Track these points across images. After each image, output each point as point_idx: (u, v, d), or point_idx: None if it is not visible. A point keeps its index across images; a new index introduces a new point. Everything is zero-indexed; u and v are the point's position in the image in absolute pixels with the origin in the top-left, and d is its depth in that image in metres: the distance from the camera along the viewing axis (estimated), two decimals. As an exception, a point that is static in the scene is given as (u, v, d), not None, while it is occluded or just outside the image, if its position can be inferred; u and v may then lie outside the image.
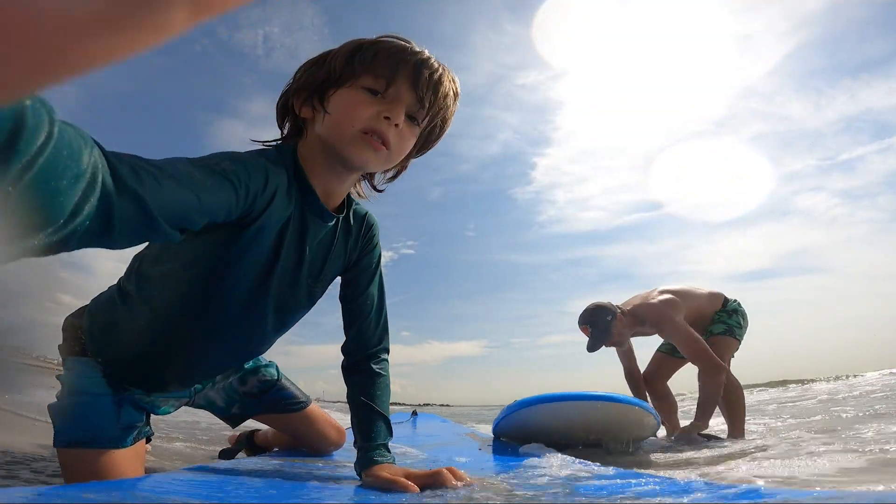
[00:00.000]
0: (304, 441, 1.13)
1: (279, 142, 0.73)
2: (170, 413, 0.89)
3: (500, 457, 1.19)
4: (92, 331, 0.77)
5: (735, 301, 2.13)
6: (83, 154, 0.31)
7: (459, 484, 0.65)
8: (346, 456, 1.10)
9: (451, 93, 0.71)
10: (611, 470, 0.82)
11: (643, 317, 2.07)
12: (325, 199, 0.72)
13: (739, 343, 2.07)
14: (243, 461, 0.85)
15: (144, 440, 0.80)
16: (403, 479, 0.65)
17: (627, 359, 2.25)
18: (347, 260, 0.83)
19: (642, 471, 0.86)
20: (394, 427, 0.83)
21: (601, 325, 2.04)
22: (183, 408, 0.93)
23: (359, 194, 0.82)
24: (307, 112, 0.69)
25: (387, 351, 0.88)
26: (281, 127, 0.74)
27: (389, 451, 0.78)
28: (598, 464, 0.88)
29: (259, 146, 0.71)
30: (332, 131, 0.66)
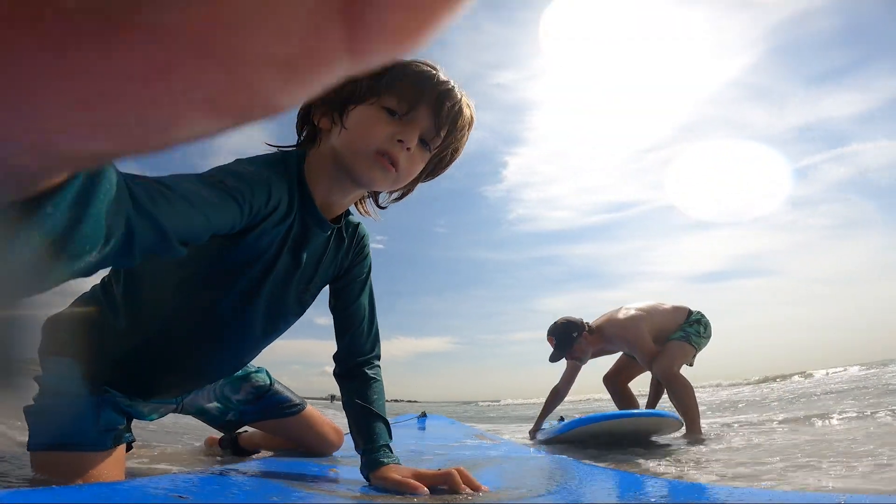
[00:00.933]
0: (304, 444, 1.13)
1: (292, 148, 0.74)
2: (154, 419, 0.88)
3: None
4: (74, 331, 0.75)
5: (698, 312, 2.29)
6: (116, 177, 0.30)
7: (468, 490, 0.64)
8: (343, 455, 1.11)
9: (468, 124, 0.73)
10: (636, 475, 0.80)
11: (611, 334, 2.29)
12: (325, 209, 0.73)
13: (696, 350, 2.21)
14: (242, 465, 0.86)
15: (125, 446, 0.78)
16: (413, 481, 0.65)
17: (568, 376, 2.38)
18: (338, 269, 0.84)
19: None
20: (400, 428, 0.86)
21: (565, 340, 2.29)
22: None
23: (365, 212, 0.83)
24: (325, 123, 0.71)
25: (379, 357, 0.90)
26: (299, 134, 0.75)
27: (393, 452, 0.78)
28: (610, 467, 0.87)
29: (268, 149, 0.72)
30: (347, 146, 0.67)
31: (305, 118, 0.74)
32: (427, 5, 0.09)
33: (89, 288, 0.78)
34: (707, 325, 2.25)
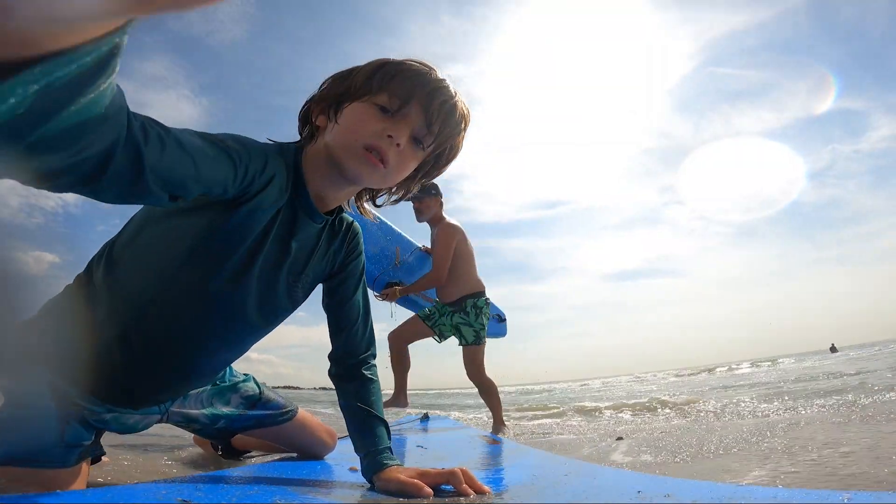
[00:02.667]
0: (298, 449, 1.11)
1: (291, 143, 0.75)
2: (137, 430, 0.82)
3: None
4: (44, 329, 0.69)
5: (486, 299, 2.48)
6: (123, 98, 0.34)
7: (470, 492, 0.63)
8: (337, 456, 1.11)
9: (462, 122, 0.73)
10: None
11: (436, 229, 2.49)
12: (318, 202, 0.73)
13: (485, 343, 2.47)
14: (242, 468, 0.86)
15: (89, 460, 0.74)
16: (418, 482, 0.65)
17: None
18: (332, 265, 0.83)
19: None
20: (403, 429, 0.86)
21: (426, 188, 2.34)
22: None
23: (364, 212, 0.83)
24: (322, 121, 0.71)
25: (374, 356, 0.90)
26: (300, 133, 0.76)
27: (393, 454, 0.78)
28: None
29: (266, 142, 0.72)
30: (338, 141, 0.68)
31: (306, 117, 0.75)
32: None
33: (62, 288, 0.74)
34: (487, 315, 2.47)
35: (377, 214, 0.85)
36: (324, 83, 0.72)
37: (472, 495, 0.63)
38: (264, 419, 1.04)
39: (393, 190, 0.81)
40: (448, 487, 0.65)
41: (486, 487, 0.66)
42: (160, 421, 0.88)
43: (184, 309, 0.69)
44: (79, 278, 0.73)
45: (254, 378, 1.06)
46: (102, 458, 0.83)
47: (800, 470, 1.01)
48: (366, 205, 0.83)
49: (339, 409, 0.86)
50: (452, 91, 0.70)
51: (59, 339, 0.68)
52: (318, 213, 0.73)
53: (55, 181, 0.34)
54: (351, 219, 0.85)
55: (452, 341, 2.52)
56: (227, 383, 1.01)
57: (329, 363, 0.89)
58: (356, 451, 0.80)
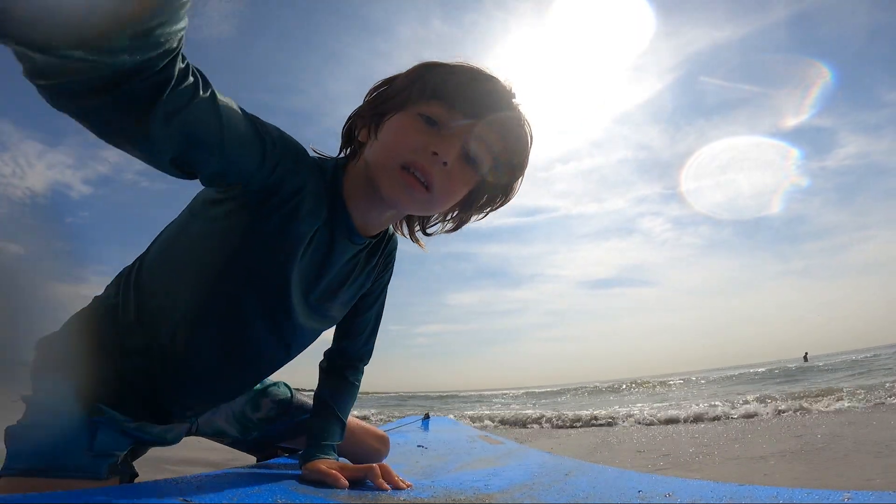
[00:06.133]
0: (348, 459, 0.94)
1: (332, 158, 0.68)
2: (167, 442, 0.73)
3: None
4: (70, 347, 0.65)
5: None
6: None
7: (387, 486, 0.63)
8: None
9: (529, 137, 0.62)
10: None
11: None
12: (360, 226, 0.66)
13: None
14: (239, 469, 0.86)
15: (117, 479, 0.64)
16: (335, 472, 0.65)
17: None
18: (369, 280, 0.78)
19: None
20: (404, 430, 0.88)
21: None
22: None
23: (414, 240, 0.76)
24: (364, 135, 0.63)
25: (366, 364, 0.90)
26: (342, 151, 0.68)
27: (335, 451, 0.78)
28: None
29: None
30: (375, 159, 0.59)
31: (350, 134, 0.66)
32: None
33: (91, 300, 0.70)
34: None
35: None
36: (367, 94, 0.64)
37: (389, 490, 0.62)
38: (297, 427, 0.96)
39: (448, 217, 0.71)
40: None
41: (406, 483, 0.65)
42: (189, 433, 0.81)
43: (217, 327, 0.64)
44: (105, 299, 0.68)
45: (284, 383, 0.99)
46: (135, 480, 0.73)
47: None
48: (416, 234, 0.76)
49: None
50: (517, 102, 0.60)
51: (83, 354, 0.64)
52: (357, 233, 0.66)
53: (128, 79, 0.34)
54: (393, 232, 0.78)
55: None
56: (258, 387, 0.95)
57: (322, 356, 0.89)
58: (307, 439, 0.81)
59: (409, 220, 0.74)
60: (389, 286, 0.86)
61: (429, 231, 0.74)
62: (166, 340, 0.63)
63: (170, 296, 0.63)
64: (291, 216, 0.58)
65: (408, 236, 0.76)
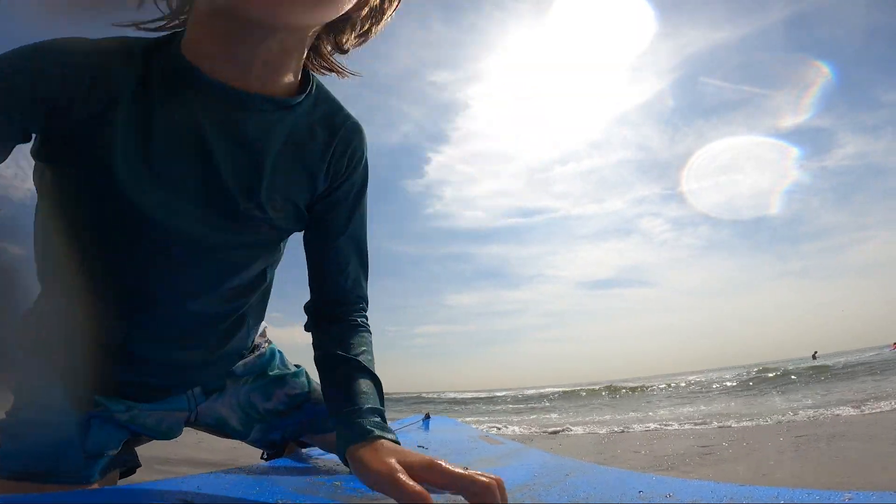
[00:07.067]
0: None
1: (160, 28, 0.51)
2: (162, 433, 0.68)
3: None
4: (53, 322, 0.58)
5: None
6: None
7: None
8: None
9: None
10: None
11: None
12: (229, 77, 0.49)
13: None
14: (239, 469, 0.86)
15: (117, 473, 0.61)
16: (420, 489, 0.39)
17: None
18: (319, 174, 0.58)
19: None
20: (404, 431, 0.75)
21: None
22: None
23: (329, 67, 0.58)
24: None
25: (367, 302, 0.68)
26: (169, 23, 0.51)
27: (386, 423, 0.55)
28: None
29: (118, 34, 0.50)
30: None
31: None
32: None
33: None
34: None
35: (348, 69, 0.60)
36: None
37: None
38: (311, 425, 0.80)
39: (355, 17, 0.53)
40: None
41: None
42: (188, 422, 0.73)
43: (121, 244, 0.53)
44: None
45: (306, 373, 0.83)
46: (136, 469, 0.71)
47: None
48: (331, 58, 0.58)
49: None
50: None
51: (54, 331, 0.57)
52: (238, 90, 0.48)
53: None
54: (347, 112, 0.60)
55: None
56: (275, 373, 0.79)
57: (305, 316, 0.68)
58: (329, 415, 0.59)
59: (314, 50, 0.56)
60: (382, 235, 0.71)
61: (345, 46, 0.57)
62: (96, 290, 0.55)
63: (63, 256, 0.54)
64: (100, 117, 0.48)
65: (324, 71, 0.59)
